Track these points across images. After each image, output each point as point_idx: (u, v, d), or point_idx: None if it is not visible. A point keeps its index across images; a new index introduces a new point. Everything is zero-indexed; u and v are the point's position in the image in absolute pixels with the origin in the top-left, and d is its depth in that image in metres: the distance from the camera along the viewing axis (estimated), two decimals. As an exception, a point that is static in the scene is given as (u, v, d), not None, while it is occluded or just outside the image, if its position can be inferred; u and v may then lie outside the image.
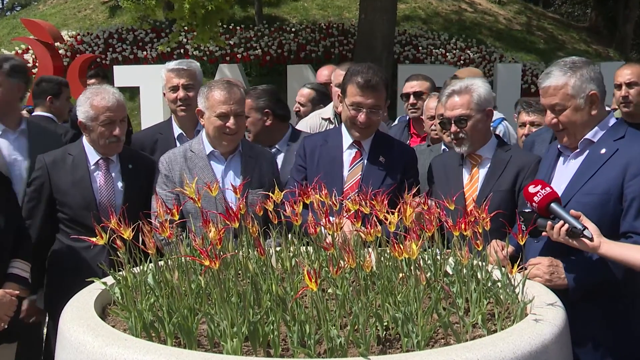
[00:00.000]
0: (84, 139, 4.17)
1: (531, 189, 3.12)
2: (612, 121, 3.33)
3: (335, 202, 2.98)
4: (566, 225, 2.97)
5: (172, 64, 4.88)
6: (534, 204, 3.09)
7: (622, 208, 3.13)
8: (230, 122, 3.95)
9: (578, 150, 3.34)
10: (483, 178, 3.86)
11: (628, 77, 5.35)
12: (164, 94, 4.88)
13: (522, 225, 3.12)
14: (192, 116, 4.56)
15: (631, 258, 2.94)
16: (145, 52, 18.50)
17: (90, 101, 4.02)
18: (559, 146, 3.45)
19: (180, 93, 4.72)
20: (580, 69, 3.29)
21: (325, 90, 6.14)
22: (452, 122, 3.87)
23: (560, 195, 3.16)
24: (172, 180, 4.02)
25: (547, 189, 3.09)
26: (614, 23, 24.87)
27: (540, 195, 3.08)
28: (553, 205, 3.06)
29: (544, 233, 3.12)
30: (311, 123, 5.58)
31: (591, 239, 2.93)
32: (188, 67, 4.83)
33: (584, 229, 2.93)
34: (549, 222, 3.05)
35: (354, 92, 3.92)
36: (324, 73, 6.83)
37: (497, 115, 5.24)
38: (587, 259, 3.14)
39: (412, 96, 5.80)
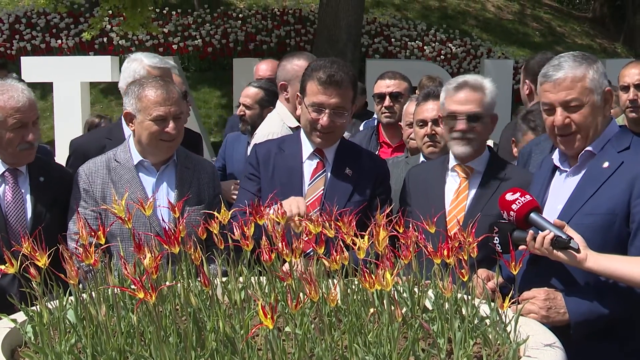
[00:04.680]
0: None
1: (508, 196, 3.19)
2: (615, 129, 3.37)
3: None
4: (551, 234, 3.03)
5: (150, 59, 4.94)
6: (511, 212, 3.16)
7: (629, 230, 3.17)
8: (170, 126, 3.96)
9: (577, 164, 3.37)
10: (473, 196, 3.91)
11: (637, 78, 5.35)
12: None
13: (496, 237, 3.20)
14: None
15: (624, 271, 3.00)
16: (59, 41, 18.27)
17: None
18: (554, 160, 3.49)
19: None
20: (595, 61, 3.32)
21: (276, 89, 5.90)
22: (465, 118, 3.88)
23: (557, 216, 3.21)
24: (93, 195, 4.02)
25: (527, 196, 3.17)
26: (621, 13, 25.20)
27: (519, 202, 3.15)
28: (533, 215, 3.13)
29: (521, 247, 3.17)
30: (272, 130, 5.00)
31: (578, 250, 3.01)
32: (163, 65, 4.93)
33: (569, 239, 3.01)
34: (530, 232, 3.12)
35: (314, 91, 3.95)
36: (262, 67, 6.79)
37: None
38: (592, 288, 3.18)
39: (387, 97, 5.82)
